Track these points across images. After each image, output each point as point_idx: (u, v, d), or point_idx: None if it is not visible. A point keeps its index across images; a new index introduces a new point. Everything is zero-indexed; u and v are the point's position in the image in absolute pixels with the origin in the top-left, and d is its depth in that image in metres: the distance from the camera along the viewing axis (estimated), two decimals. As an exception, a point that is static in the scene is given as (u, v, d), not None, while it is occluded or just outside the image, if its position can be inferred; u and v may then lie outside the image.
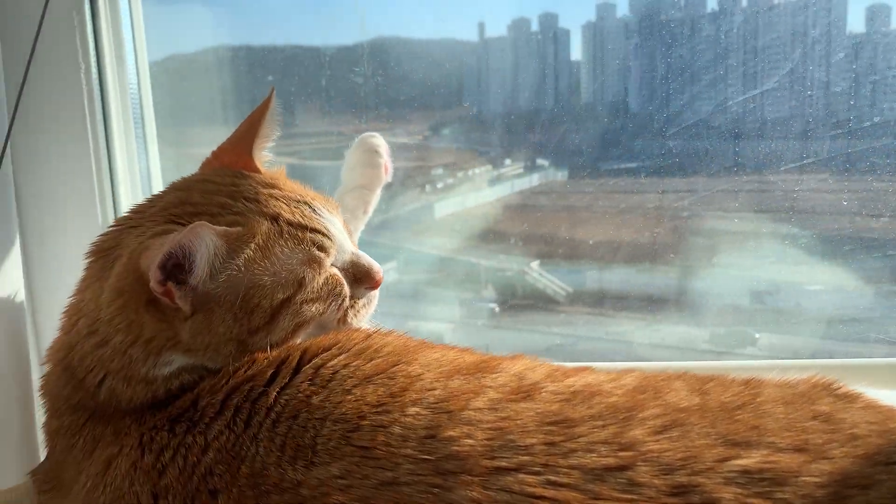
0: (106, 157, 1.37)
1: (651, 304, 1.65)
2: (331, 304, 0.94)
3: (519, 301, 1.77)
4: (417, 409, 0.77)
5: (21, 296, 1.16)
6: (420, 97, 1.58)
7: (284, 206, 0.95)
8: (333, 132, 1.65)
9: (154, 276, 0.81)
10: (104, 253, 0.93)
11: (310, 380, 0.83)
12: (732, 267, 1.57)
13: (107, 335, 0.88)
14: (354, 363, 0.85)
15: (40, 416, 1.01)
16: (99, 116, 1.34)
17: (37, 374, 1.11)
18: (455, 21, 1.59)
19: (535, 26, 1.64)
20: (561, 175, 1.69)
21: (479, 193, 1.77)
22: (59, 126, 1.32)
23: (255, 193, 0.95)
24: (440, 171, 1.76)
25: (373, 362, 0.85)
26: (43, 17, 1.15)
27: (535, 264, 1.75)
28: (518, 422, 0.75)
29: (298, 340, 0.92)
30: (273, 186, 0.98)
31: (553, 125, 1.62)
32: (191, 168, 1.04)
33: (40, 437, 1.02)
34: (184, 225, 0.87)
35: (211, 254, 0.84)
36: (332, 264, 0.96)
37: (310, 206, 0.97)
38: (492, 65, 1.64)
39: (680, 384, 0.83)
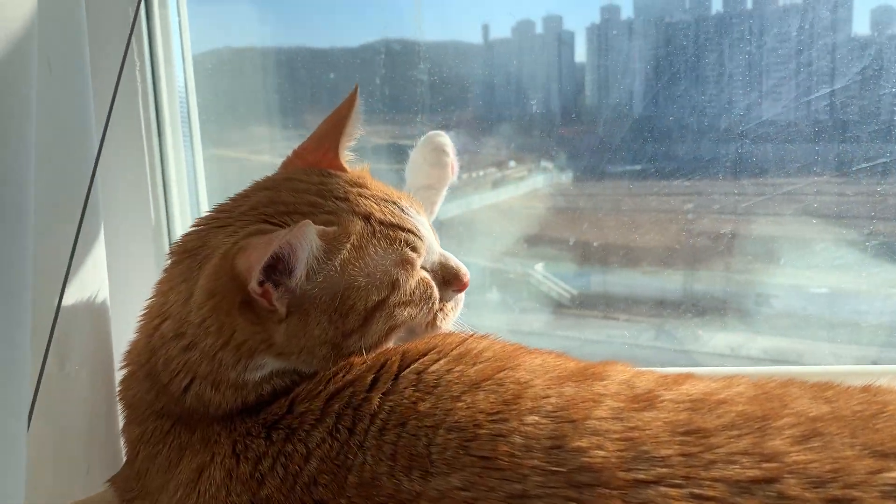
0: (158, 156, 1.36)
1: (656, 307, 1.64)
2: (422, 307, 0.93)
3: (524, 303, 1.77)
4: (536, 418, 0.74)
5: (105, 295, 1.13)
6: (423, 98, 1.58)
7: (375, 205, 0.92)
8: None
9: (255, 277, 0.79)
10: (189, 253, 0.90)
11: (413, 385, 0.80)
12: (741, 272, 1.56)
13: (195, 338, 0.84)
14: (458, 368, 0.82)
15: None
16: (152, 115, 1.34)
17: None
18: (459, 23, 1.59)
19: (539, 29, 1.64)
20: (566, 177, 1.69)
21: (483, 195, 1.77)
22: (118, 126, 1.27)
23: (345, 192, 0.93)
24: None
25: (476, 367, 0.82)
26: (134, 22, 1.15)
27: (539, 266, 1.75)
28: (648, 432, 0.71)
29: (390, 344, 0.90)
30: (361, 185, 0.96)
31: (557, 128, 1.62)
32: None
33: (121, 441, 1.00)
34: (277, 225, 0.86)
35: (311, 255, 0.82)
36: (421, 266, 0.93)
37: (398, 206, 0.95)
38: (496, 67, 1.64)
39: (798, 391, 0.79)
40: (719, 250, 1.54)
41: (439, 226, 1.64)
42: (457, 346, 0.86)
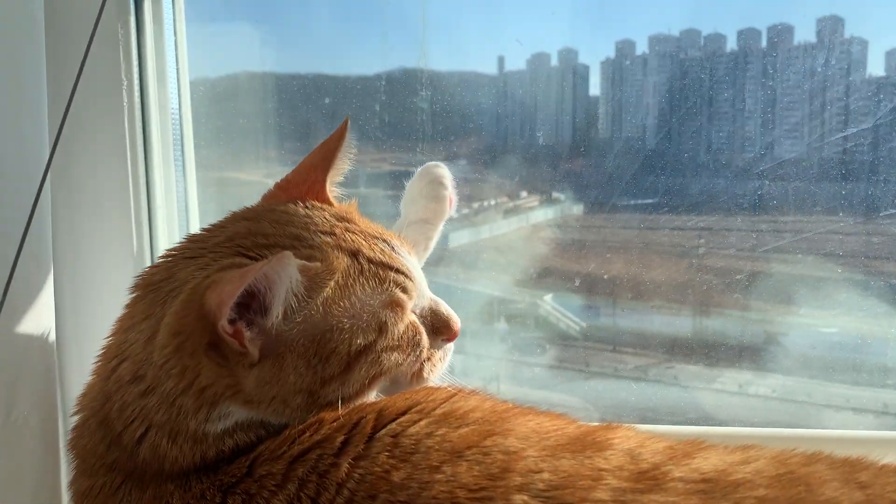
0: (144, 180, 1.29)
1: (665, 342, 1.64)
2: (409, 354, 0.85)
3: (531, 334, 1.77)
4: (525, 498, 0.65)
5: (52, 336, 1.05)
6: (437, 127, 1.59)
7: (363, 241, 0.85)
8: (359, 160, 1.66)
9: (226, 315, 0.71)
10: (154, 287, 0.81)
11: (388, 450, 0.71)
12: (753, 310, 1.55)
13: (155, 381, 0.76)
14: (440, 432, 0.73)
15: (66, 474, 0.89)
16: (139, 136, 1.27)
17: (64, 426, 1.00)
18: (475, 54, 1.61)
19: (554, 61, 1.65)
20: (577, 209, 1.69)
21: (493, 225, 1.77)
22: (97, 145, 1.24)
23: (331, 227, 0.85)
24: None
25: (461, 431, 0.73)
26: (95, 29, 1.06)
27: (548, 297, 1.74)
28: None
29: (371, 396, 0.83)
30: (348, 220, 0.89)
31: (570, 159, 1.63)
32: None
33: (65, 497, 0.89)
34: (254, 258, 0.78)
35: (290, 291, 0.74)
36: (411, 310, 0.86)
37: (388, 244, 0.88)
38: (510, 97, 1.65)
39: (825, 471, 0.69)
40: (731, 288, 1.54)
41: (447, 255, 1.65)
42: (441, 405, 0.79)
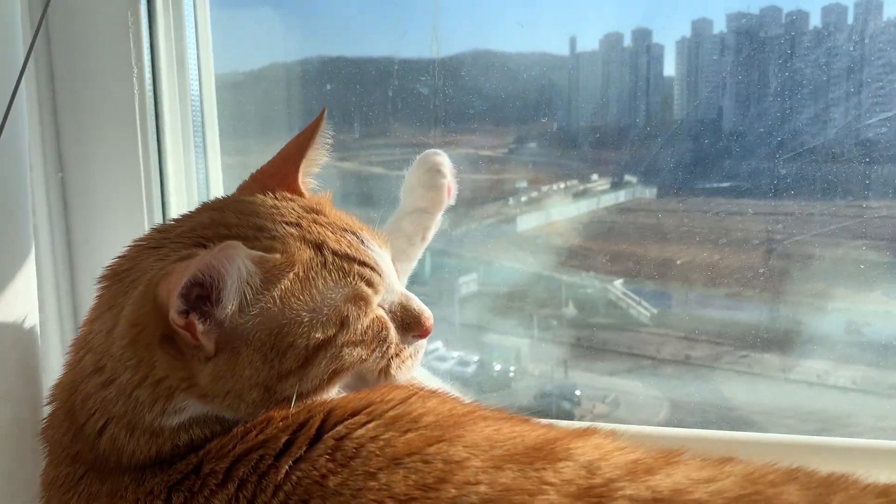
0: (157, 166, 1.28)
1: (737, 330, 1.59)
2: (374, 350, 0.82)
3: (601, 320, 1.74)
4: None
5: (34, 320, 1.03)
6: (506, 110, 1.57)
7: (330, 233, 0.83)
8: (427, 144, 1.66)
9: (174, 306, 0.70)
10: (118, 277, 0.81)
11: (329, 454, 0.70)
12: (830, 298, 1.50)
13: (113, 373, 0.76)
14: (385, 436, 0.71)
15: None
16: (151, 124, 1.26)
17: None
18: (546, 35, 1.58)
19: (628, 41, 1.61)
20: (649, 192, 1.65)
21: (563, 208, 1.75)
22: (107, 131, 1.24)
23: (298, 218, 0.83)
24: (524, 184, 1.75)
25: (407, 437, 0.71)
26: (42, 18, 1.03)
27: (618, 283, 1.71)
28: None
29: (332, 392, 0.81)
30: (317, 212, 0.87)
31: (642, 141, 1.59)
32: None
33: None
34: None
35: (243, 282, 0.72)
36: (378, 304, 0.84)
37: (357, 237, 0.86)
38: (582, 79, 1.62)
39: (796, 492, 0.65)
40: (811, 275, 1.48)
41: (516, 239, 1.64)
42: (395, 406, 0.76)
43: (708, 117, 1.53)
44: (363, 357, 0.81)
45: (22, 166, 1.02)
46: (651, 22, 1.59)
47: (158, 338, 0.73)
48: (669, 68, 1.58)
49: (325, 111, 0.95)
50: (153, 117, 1.27)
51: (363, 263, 0.83)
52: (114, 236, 1.20)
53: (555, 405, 1.70)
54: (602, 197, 1.73)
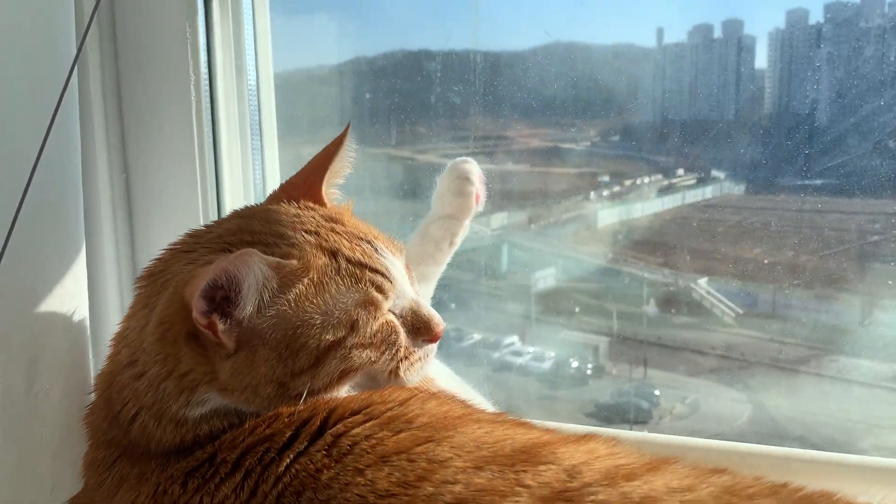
0: (213, 169, 1.35)
1: (827, 334, 1.53)
2: (384, 352, 0.87)
3: (683, 319, 1.70)
4: None
5: (83, 314, 1.11)
6: (590, 102, 1.55)
7: (345, 241, 0.89)
8: (507, 137, 1.65)
9: (197, 307, 0.76)
10: (153, 278, 0.88)
11: (326, 450, 0.75)
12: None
13: (144, 366, 0.83)
14: (378, 435, 0.75)
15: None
16: (207, 130, 1.33)
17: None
18: (632, 26, 1.55)
19: (718, 32, 1.56)
20: (737, 189, 1.60)
21: (646, 203, 1.71)
22: (167, 135, 1.32)
23: (317, 226, 0.90)
24: (606, 178, 1.72)
25: (398, 437, 0.75)
26: (91, 21, 1.11)
27: (702, 281, 1.67)
28: None
29: (343, 391, 0.85)
30: (336, 221, 0.93)
31: (731, 136, 1.54)
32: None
33: None
34: None
35: (259, 286, 0.78)
36: (389, 309, 0.89)
37: (371, 245, 0.91)
38: (669, 71, 1.58)
39: None
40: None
41: (595, 235, 1.61)
42: (393, 408, 0.80)
43: (801, 111, 1.47)
44: (372, 359, 0.86)
45: (73, 170, 1.10)
46: (743, 13, 1.54)
47: (184, 335, 0.80)
48: (761, 60, 1.52)
49: (350, 126, 1.01)
50: (209, 122, 1.35)
51: (375, 270, 0.88)
52: (173, 235, 1.31)
53: (632, 404, 1.67)
54: (687, 193, 1.68)
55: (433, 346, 0.94)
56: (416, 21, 1.67)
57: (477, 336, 1.82)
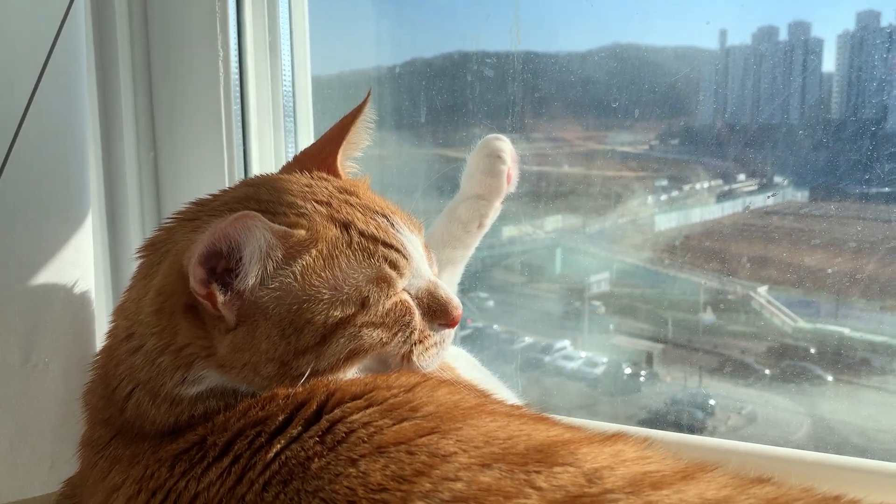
0: (241, 148, 1.32)
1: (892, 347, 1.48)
2: (396, 334, 0.82)
3: (742, 328, 1.66)
4: None
5: (88, 286, 1.08)
6: (650, 105, 1.52)
7: (359, 214, 0.84)
8: (563, 139, 1.63)
9: (195, 275, 0.72)
10: (155, 248, 0.85)
11: (319, 436, 0.69)
12: None
13: (141, 340, 0.79)
14: (378, 423, 0.69)
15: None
16: (235, 106, 1.30)
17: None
18: (694, 28, 1.52)
19: (783, 35, 1.52)
20: (801, 195, 1.56)
21: (705, 209, 1.68)
22: (195, 113, 1.30)
23: (329, 197, 0.85)
24: (664, 182, 1.69)
25: (400, 426, 0.68)
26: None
27: (762, 290, 1.63)
28: None
29: (349, 374, 0.80)
30: (351, 193, 0.88)
31: (795, 141, 1.50)
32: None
33: None
34: None
35: (263, 254, 0.74)
36: (404, 288, 0.84)
37: (388, 220, 0.86)
38: (732, 74, 1.55)
39: None
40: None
41: (653, 238, 1.58)
42: (399, 393, 0.74)
43: (870, 117, 1.42)
44: (383, 340, 0.80)
45: (78, 139, 1.07)
46: (811, 14, 1.50)
47: (182, 307, 0.76)
48: (828, 64, 1.48)
49: (370, 95, 0.95)
50: (238, 100, 1.32)
51: (390, 246, 0.83)
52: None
53: (686, 413, 1.64)
54: (748, 198, 1.64)
55: (451, 332, 0.89)
56: (468, 19, 1.67)
57: (528, 339, 1.80)
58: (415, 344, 0.84)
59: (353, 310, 0.78)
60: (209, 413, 0.77)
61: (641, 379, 1.75)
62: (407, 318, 0.83)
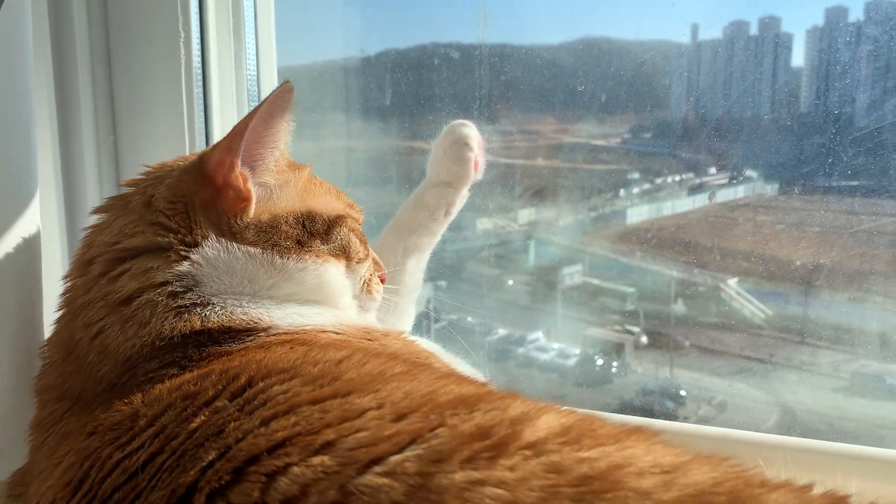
0: (203, 130, 1.32)
1: (858, 338, 1.50)
2: (364, 254, 0.96)
3: (712, 319, 1.68)
4: (323, 459, 0.57)
5: (35, 272, 1.06)
6: (621, 98, 1.53)
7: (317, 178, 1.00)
8: (536, 131, 1.63)
9: (226, 161, 0.83)
10: (123, 197, 0.88)
11: (240, 406, 0.67)
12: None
13: (135, 253, 0.82)
14: (298, 388, 0.67)
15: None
16: (197, 89, 1.29)
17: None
18: (666, 22, 1.53)
19: (754, 30, 1.54)
20: (770, 188, 1.57)
21: (676, 202, 1.69)
22: (156, 95, 1.28)
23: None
24: (636, 175, 1.70)
25: (320, 391, 0.67)
26: None
27: (732, 282, 1.65)
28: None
29: (349, 282, 0.94)
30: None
31: (765, 135, 1.52)
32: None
33: None
34: None
35: (276, 154, 0.89)
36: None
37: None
38: (703, 68, 1.56)
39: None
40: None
41: (626, 231, 1.59)
42: (326, 365, 0.72)
43: (838, 111, 1.44)
44: (357, 248, 0.94)
45: (24, 128, 1.04)
46: (780, 10, 1.51)
47: (201, 202, 0.85)
48: (798, 58, 1.50)
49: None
50: (200, 84, 1.31)
51: (350, 204, 1.00)
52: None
53: (657, 404, 1.66)
54: (719, 191, 1.66)
55: (381, 287, 1.00)
56: (444, 13, 1.67)
57: (502, 331, 1.81)
58: (371, 276, 0.97)
59: (345, 211, 0.95)
60: (167, 377, 0.75)
61: (613, 370, 1.76)
62: (365, 251, 0.97)
